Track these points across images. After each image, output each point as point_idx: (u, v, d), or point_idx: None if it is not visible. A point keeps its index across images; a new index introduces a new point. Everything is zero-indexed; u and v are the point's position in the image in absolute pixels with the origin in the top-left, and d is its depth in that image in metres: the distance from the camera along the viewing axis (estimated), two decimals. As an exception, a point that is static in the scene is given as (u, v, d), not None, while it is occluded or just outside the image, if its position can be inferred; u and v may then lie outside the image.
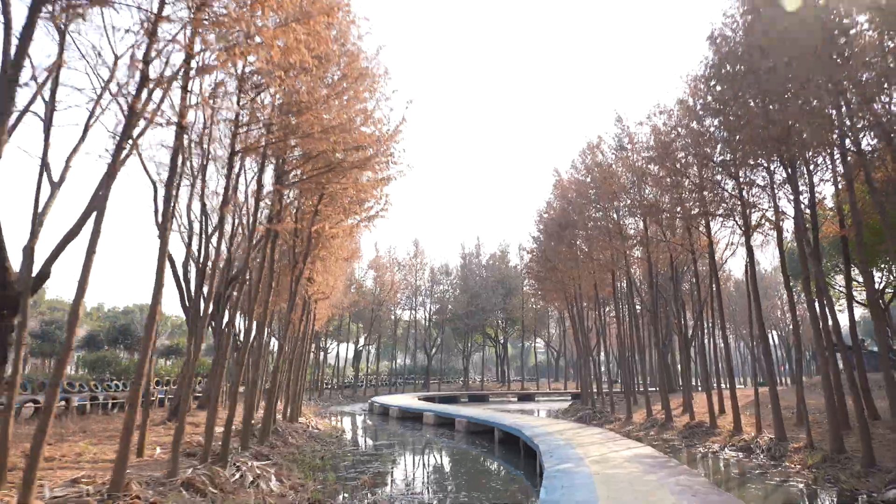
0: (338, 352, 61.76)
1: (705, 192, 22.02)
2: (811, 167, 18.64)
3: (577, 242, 31.56)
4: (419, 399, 43.73)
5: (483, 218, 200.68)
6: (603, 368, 55.18)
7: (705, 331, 26.91)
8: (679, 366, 52.74)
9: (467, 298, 62.51)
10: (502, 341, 70.11)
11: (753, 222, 20.83)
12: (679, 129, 21.81)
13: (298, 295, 20.70)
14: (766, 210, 21.08)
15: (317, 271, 20.29)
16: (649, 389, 28.80)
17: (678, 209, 23.40)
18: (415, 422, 31.58)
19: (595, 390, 36.42)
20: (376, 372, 63.57)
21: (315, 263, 19.71)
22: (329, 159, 15.11)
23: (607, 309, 49.08)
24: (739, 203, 20.48)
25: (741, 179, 20.55)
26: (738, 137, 17.72)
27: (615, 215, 28.39)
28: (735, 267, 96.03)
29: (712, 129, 20.59)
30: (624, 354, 34.91)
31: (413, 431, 28.24)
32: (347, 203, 18.53)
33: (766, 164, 19.69)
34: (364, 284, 58.08)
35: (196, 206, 20.55)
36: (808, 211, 18.49)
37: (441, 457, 20.64)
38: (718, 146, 20.62)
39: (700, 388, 45.83)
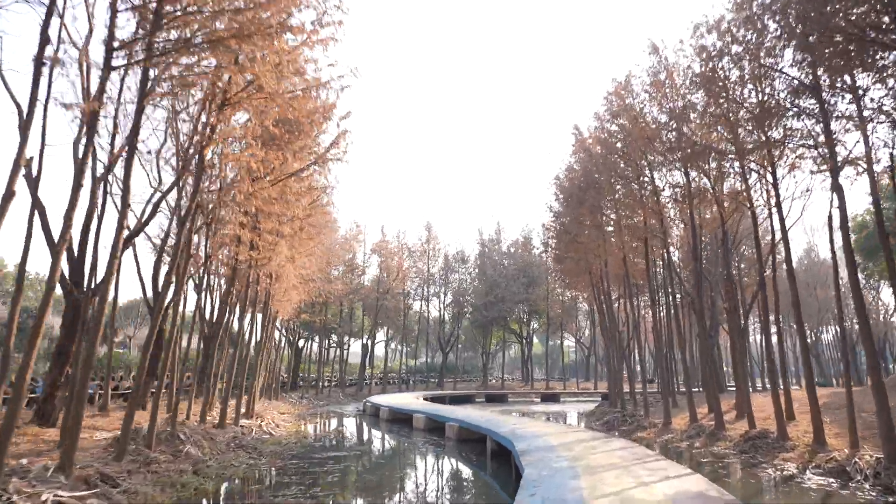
0: (340, 345, 56.78)
1: (768, 123, 16.27)
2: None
3: (602, 208, 25.82)
4: (424, 399, 38.37)
5: (505, 203, 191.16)
6: (638, 368, 48.99)
7: (768, 315, 20.86)
8: (726, 361, 46.13)
9: (486, 288, 56.69)
10: (526, 336, 64.20)
11: (839, 158, 14.93)
12: (734, 32, 16.03)
13: (214, 255, 15.72)
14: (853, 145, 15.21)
15: (245, 225, 15.18)
16: (692, 390, 23.00)
17: (731, 148, 17.60)
18: (406, 425, 26.32)
19: (627, 390, 30.59)
20: (384, 369, 58.35)
21: (235, 215, 14.68)
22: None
23: (643, 298, 42.93)
24: (823, 127, 14.66)
25: (824, 98, 14.72)
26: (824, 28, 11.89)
27: (648, 171, 22.65)
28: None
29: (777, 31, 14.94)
30: (661, 348, 28.97)
31: (398, 437, 23.08)
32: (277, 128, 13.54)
33: (851, 82, 13.89)
34: (366, 270, 53.16)
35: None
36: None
37: (407, 476, 15.34)
38: (790, 50, 14.88)
39: (754, 388, 39.38)
